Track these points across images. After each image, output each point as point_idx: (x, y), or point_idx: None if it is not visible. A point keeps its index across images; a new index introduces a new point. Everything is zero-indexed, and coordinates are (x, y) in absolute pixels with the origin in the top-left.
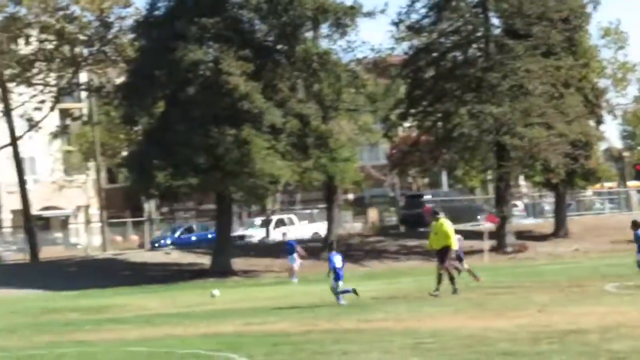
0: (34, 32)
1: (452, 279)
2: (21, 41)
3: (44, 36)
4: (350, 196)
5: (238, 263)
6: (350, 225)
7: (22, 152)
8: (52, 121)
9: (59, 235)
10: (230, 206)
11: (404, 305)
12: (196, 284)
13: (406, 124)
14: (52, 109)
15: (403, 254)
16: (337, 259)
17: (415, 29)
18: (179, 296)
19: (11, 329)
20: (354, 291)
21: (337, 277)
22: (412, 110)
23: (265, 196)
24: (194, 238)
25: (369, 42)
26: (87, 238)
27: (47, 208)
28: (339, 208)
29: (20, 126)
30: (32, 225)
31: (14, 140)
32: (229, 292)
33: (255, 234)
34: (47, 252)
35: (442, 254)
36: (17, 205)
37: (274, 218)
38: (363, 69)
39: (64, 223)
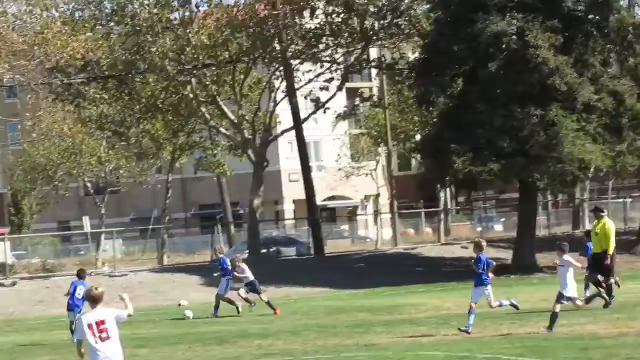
0: (320, 4)
1: (600, 289)
2: (306, 14)
3: (331, 8)
4: None
5: (543, 258)
6: None
7: (306, 136)
8: (339, 102)
9: (345, 227)
10: (535, 195)
11: None
12: (496, 281)
13: None
14: (339, 88)
15: None
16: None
17: None
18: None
19: (294, 331)
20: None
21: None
22: None
23: (574, 184)
24: None
25: None
26: (376, 231)
27: (332, 198)
28: None
29: (304, 107)
30: (316, 216)
31: (297, 123)
32: (533, 290)
33: None
34: (332, 246)
35: (601, 262)
36: (300, 194)
37: None
38: None
39: (351, 214)
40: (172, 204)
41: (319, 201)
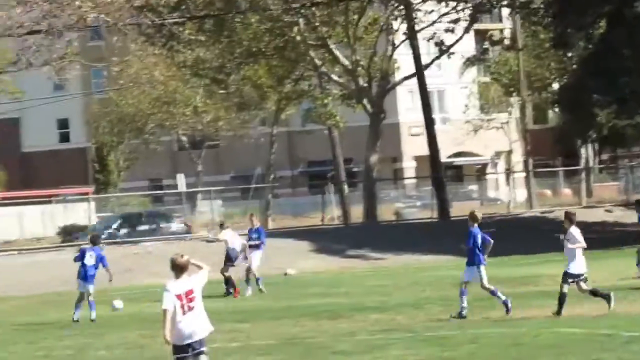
0: None
1: None
2: None
3: None
4: None
5: None
6: None
7: (429, 84)
8: (467, 46)
9: (473, 187)
10: None
11: None
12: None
13: None
14: (467, 30)
15: None
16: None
17: None
18: (622, 265)
19: (416, 304)
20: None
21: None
22: None
23: None
24: None
25: None
26: (509, 192)
27: (459, 154)
28: None
29: (426, 52)
30: (440, 175)
31: (419, 70)
32: None
33: None
34: (459, 209)
35: None
36: (422, 150)
37: None
38: None
39: (479, 173)
40: (277, 160)
41: (443, 158)
